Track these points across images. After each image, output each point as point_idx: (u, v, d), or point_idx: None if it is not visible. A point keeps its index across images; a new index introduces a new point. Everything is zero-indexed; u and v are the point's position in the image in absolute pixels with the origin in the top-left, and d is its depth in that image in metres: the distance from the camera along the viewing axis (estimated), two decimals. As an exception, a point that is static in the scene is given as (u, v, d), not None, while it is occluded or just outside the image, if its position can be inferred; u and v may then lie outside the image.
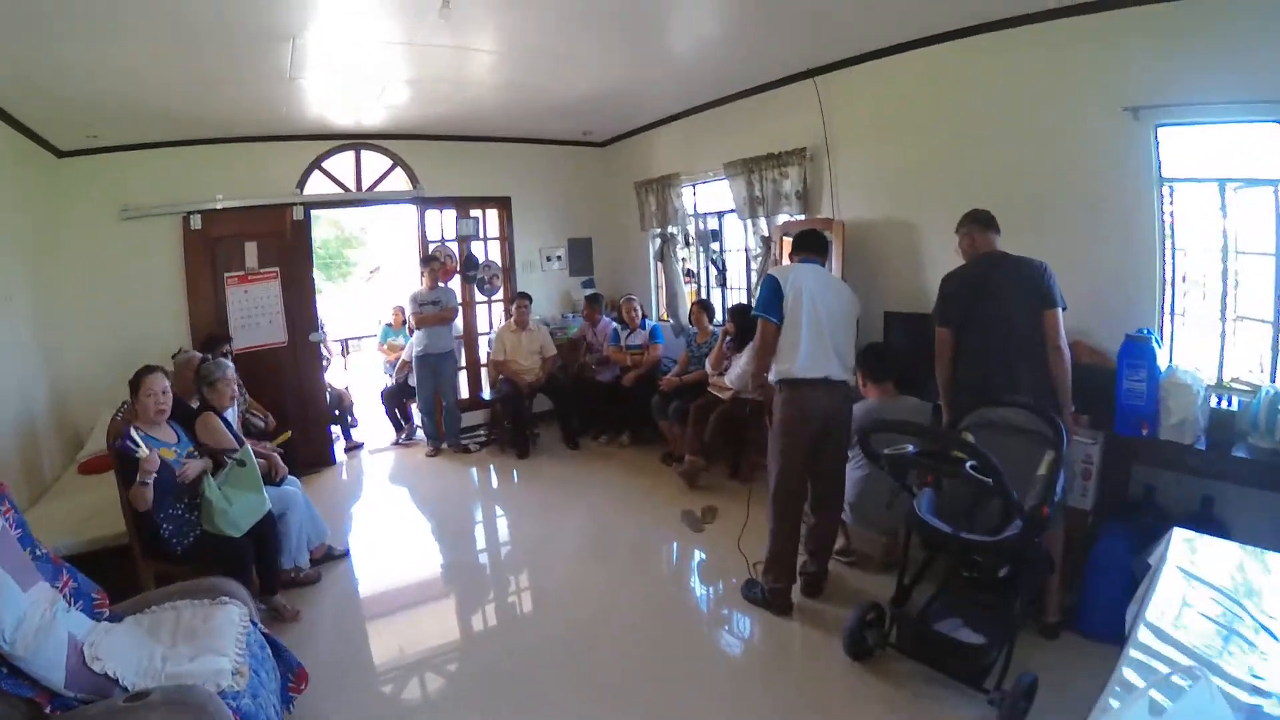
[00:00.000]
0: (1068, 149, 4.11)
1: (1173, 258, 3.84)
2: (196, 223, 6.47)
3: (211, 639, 2.71)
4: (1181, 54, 3.61)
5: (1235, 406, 3.56)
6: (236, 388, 4.59)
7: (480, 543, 5.40)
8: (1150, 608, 2.00)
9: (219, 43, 4.22)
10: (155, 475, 3.42)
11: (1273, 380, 3.52)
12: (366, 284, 18.19)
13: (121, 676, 2.44)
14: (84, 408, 5.82)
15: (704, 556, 4.66)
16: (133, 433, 3.46)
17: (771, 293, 3.68)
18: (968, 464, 2.80)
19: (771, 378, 3.78)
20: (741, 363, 5.47)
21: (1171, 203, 3.80)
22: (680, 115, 7.08)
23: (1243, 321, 3.75)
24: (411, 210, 7.81)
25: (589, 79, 5.73)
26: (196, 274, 6.50)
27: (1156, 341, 3.61)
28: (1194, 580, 2.14)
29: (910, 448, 3.07)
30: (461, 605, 4.33)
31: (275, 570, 4.03)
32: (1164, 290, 3.85)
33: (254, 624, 2.98)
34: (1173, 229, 3.82)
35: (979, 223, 3.63)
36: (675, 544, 4.89)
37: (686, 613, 4.09)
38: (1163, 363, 3.62)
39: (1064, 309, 3.36)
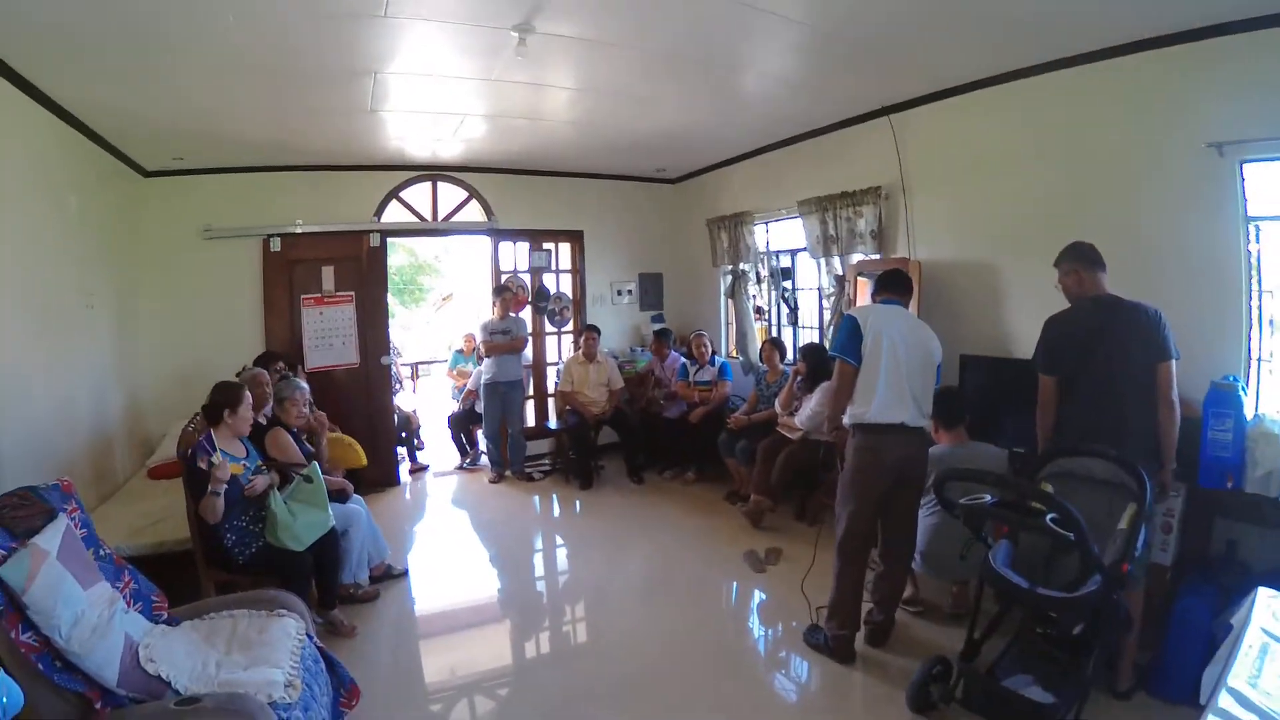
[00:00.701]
0: (1150, 187, 3.97)
1: (1260, 299, 3.65)
2: (276, 245, 6.72)
3: (266, 649, 2.73)
4: (1264, 87, 3.47)
5: None
6: (307, 407, 4.69)
7: (539, 571, 5.38)
8: (1233, 671, 1.86)
9: (305, 77, 4.40)
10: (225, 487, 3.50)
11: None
12: (438, 311, 18.46)
13: (174, 679, 2.47)
14: (157, 415, 6.10)
15: (765, 598, 4.52)
16: (208, 444, 3.56)
17: (850, 333, 3.57)
18: (1048, 516, 2.67)
19: (846, 420, 3.66)
20: (813, 404, 5.38)
21: (1258, 241, 3.63)
22: (754, 153, 7.08)
23: None
24: (485, 241, 7.92)
25: (663, 118, 5.77)
26: (274, 294, 6.73)
27: (1243, 389, 3.43)
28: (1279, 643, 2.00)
29: (988, 497, 2.95)
30: (517, 632, 4.29)
31: (334, 585, 4.06)
32: (1250, 334, 3.65)
33: (310, 637, 2.99)
34: (1259, 269, 3.64)
35: (1085, 259, 3.39)
36: (737, 584, 4.77)
37: (745, 655, 3.97)
38: (1249, 411, 3.44)
39: (1178, 360, 3.17)
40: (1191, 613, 3.18)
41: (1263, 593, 2.30)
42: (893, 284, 3.85)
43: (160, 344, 6.34)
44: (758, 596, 4.59)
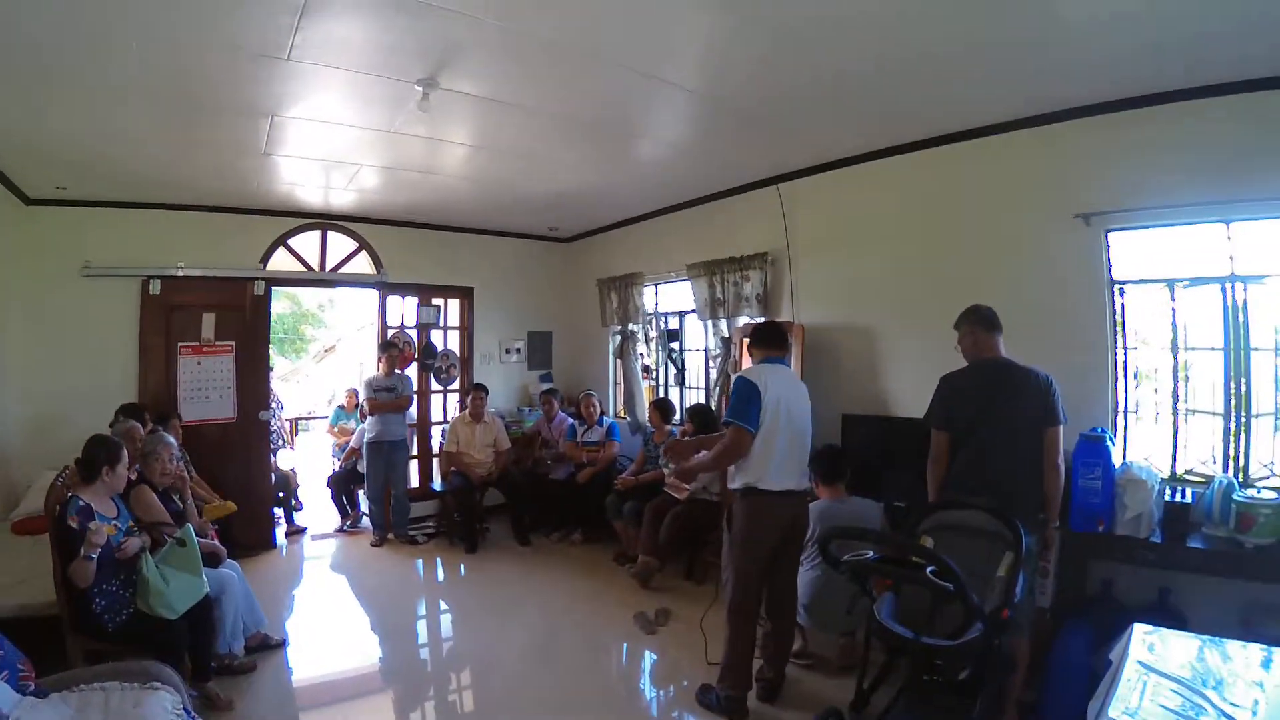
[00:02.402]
0: (1022, 255, 4.32)
1: (1125, 355, 4.01)
2: (156, 288, 6.41)
3: None
4: (1128, 161, 3.89)
5: (1189, 498, 3.69)
6: (181, 464, 4.45)
7: (423, 638, 5.20)
8: (1113, 704, 1.99)
9: (199, 113, 4.30)
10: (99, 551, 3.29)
11: (1225, 470, 3.66)
12: (319, 362, 17.84)
13: None
14: (21, 463, 5.65)
15: (657, 659, 4.51)
16: (80, 503, 3.36)
17: (748, 398, 3.59)
18: (928, 569, 2.79)
19: (733, 485, 3.73)
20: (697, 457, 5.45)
21: (1122, 301, 4.01)
22: (645, 216, 7.29)
23: (1194, 415, 3.89)
24: (373, 294, 7.79)
25: (558, 178, 5.91)
26: (151, 339, 6.39)
27: (1110, 439, 3.71)
28: (1155, 674, 2.14)
29: (870, 553, 3.06)
30: (401, 704, 4.12)
31: (209, 656, 3.83)
32: (1116, 387, 4.00)
33: (187, 712, 2.83)
34: (1124, 328, 4.02)
35: (983, 322, 3.59)
36: (627, 645, 4.74)
37: (639, 717, 3.95)
38: (1117, 458, 3.72)
39: (1065, 424, 3.41)
40: (1071, 651, 3.39)
41: (1138, 628, 2.47)
42: (772, 339, 3.92)
43: (28, 386, 5.92)
44: (649, 657, 4.58)
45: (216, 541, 4.54)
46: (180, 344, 6.48)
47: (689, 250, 6.45)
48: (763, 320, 4.31)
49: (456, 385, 8.15)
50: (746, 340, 5.28)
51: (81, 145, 4.80)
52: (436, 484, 7.50)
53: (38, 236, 6.00)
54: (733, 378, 4.14)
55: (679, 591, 5.46)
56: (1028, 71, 3.66)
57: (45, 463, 5.20)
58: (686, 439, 4.56)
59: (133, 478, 4.06)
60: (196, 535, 3.87)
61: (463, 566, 6.44)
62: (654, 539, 5.55)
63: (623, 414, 7.57)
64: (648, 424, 6.73)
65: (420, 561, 6.63)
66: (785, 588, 3.83)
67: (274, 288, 7.09)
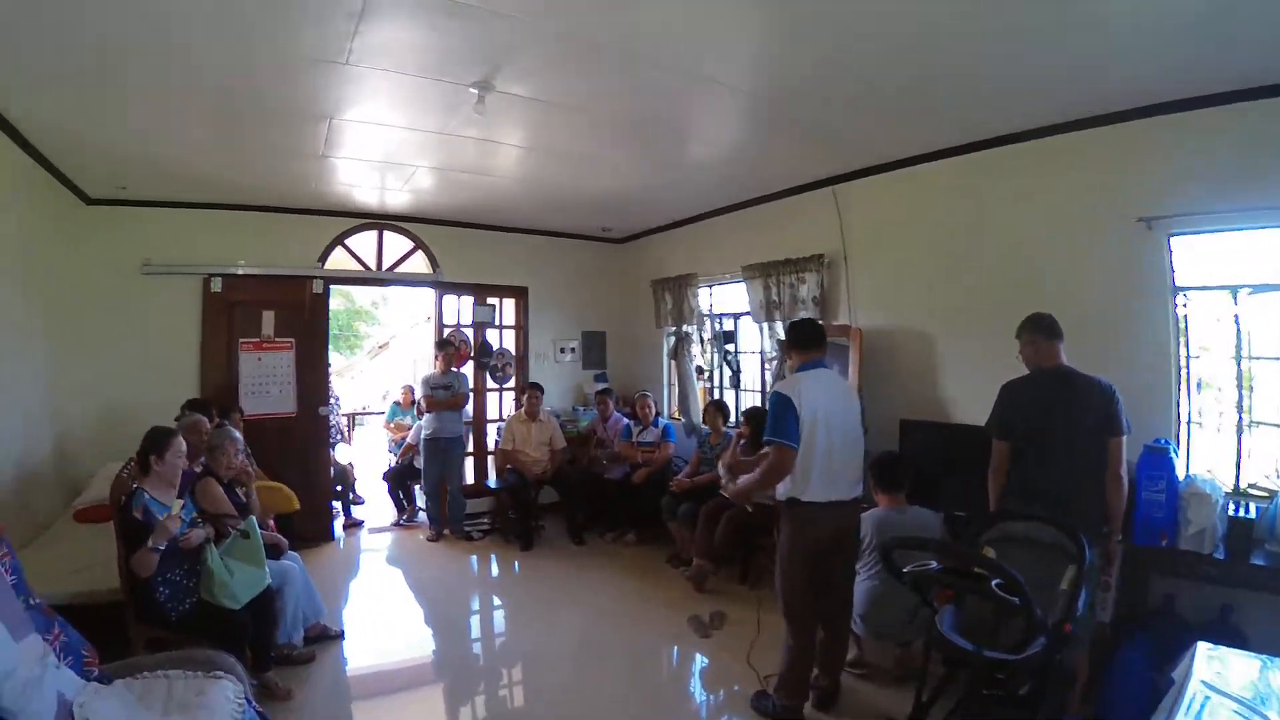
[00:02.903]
0: (1083, 260, 4.19)
1: (1188, 364, 3.87)
2: (217, 285, 6.58)
3: (205, 714, 2.63)
4: (1192, 164, 3.75)
5: (1253, 514, 3.56)
6: (244, 457, 4.56)
7: (476, 633, 5.25)
8: (1175, 722, 1.93)
9: (260, 117, 4.40)
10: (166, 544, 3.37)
11: (1288, 485, 3.50)
12: (373, 359, 18.14)
13: None
14: (86, 454, 5.78)
15: (709, 663, 4.47)
16: (146, 496, 3.44)
17: (785, 414, 3.46)
18: (993, 581, 2.72)
19: (779, 495, 3.66)
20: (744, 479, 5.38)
21: (1186, 309, 3.85)
22: (699, 217, 7.25)
23: (1259, 427, 3.75)
24: (428, 292, 7.89)
25: (611, 179, 5.91)
26: (212, 336, 6.56)
27: (1174, 451, 3.59)
28: (1218, 694, 2.07)
29: (934, 564, 3.00)
30: (452, 696, 4.18)
31: (270, 646, 3.91)
32: (1180, 397, 3.85)
33: (249, 701, 2.87)
34: (1187, 336, 3.86)
35: (1043, 330, 3.52)
36: (679, 648, 4.71)
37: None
38: (1180, 471, 3.60)
39: (1129, 435, 3.32)
40: (1131, 665, 3.30)
41: (1202, 647, 2.38)
42: (808, 339, 3.76)
43: (92, 380, 6.08)
44: (700, 661, 4.54)
45: (276, 533, 4.65)
46: (241, 340, 6.65)
47: (744, 251, 6.40)
48: (796, 319, 4.20)
49: (512, 384, 8.21)
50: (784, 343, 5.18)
51: (143, 147, 4.93)
52: (492, 481, 7.58)
53: (99, 235, 6.18)
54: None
55: (733, 595, 5.41)
56: (1090, 70, 3.54)
57: (109, 454, 5.34)
58: (745, 458, 4.51)
59: (198, 470, 4.16)
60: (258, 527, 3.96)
61: (517, 563, 6.49)
62: (709, 542, 5.51)
63: (677, 415, 7.55)
64: (703, 425, 6.68)
65: (475, 557, 6.69)
66: (838, 596, 3.74)
67: (331, 285, 7.22)
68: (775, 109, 4.23)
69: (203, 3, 2.97)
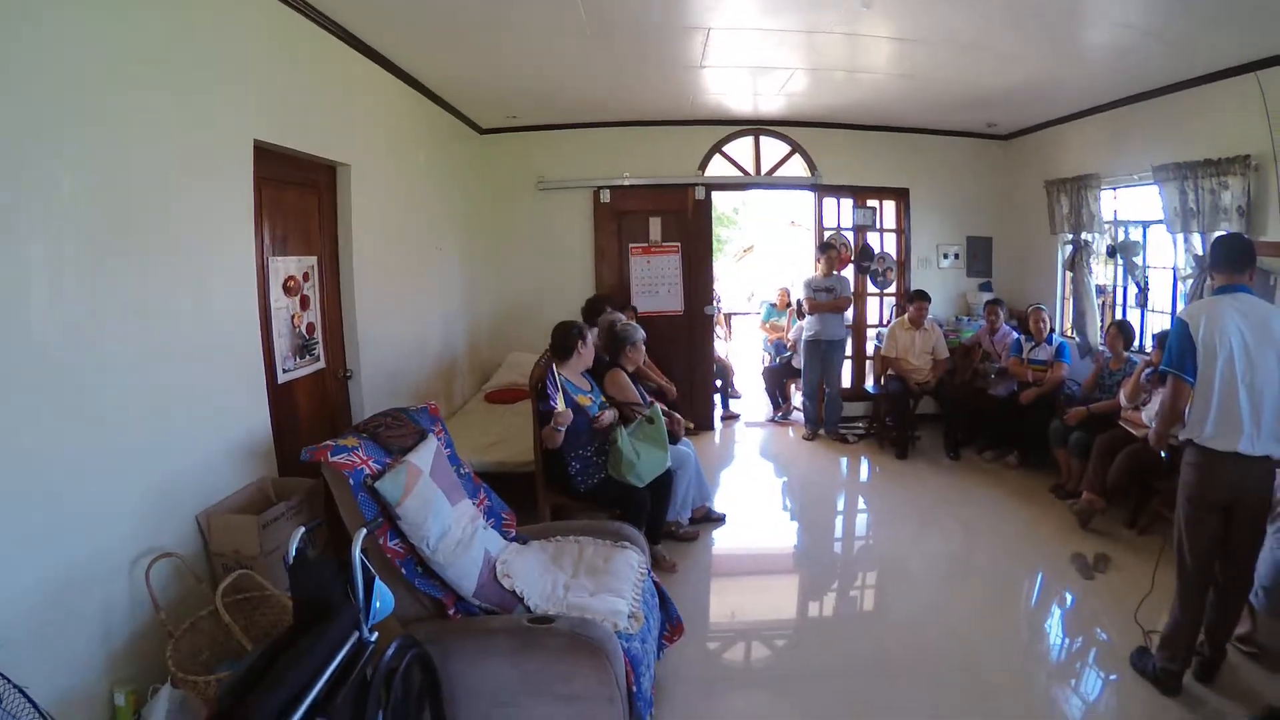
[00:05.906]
0: None
1: None
2: (606, 196, 7.36)
3: (611, 579, 2.95)
4: None
5: None
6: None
7: (838, 533, 5.46)
8: None
9: (637, 35, 4.63)
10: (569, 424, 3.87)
11: None
12: (738, 262, 18.75)
13: (527, 596, 2.74)
14: (495, 345, 7.13)
15: (1086, 607, 4.12)
16: (555, 377, 3.93)
17: (1183, 344, 3.04)
18: None
19: (1180, 435, 3.21)
20: (1148, 412, 4.85)
21: None
22: (1099, 109, 6.34)
23: None
24: (792, 197, 8.01)
25: (997, 70, 5.37)
26: (604, 242, 7.42)
27: None
28: None
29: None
30: (805, 589, 4.49)
31: (662, 522, 4.35)
32: None
33: (648, 572, 3.21)
34: None
35: None
36: (1055, 585, 4.43)
37: (1058, 668, 3.62)
38: None
39: None
40: None
41: None
42: (1230, 260, 3.15)
43: (497, 283, 7.32)
44: (1074, 602, 4.20)
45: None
46: (630, 245, 7.42)
47: (1153, 150, 5.52)
48: (1222, 234, 3.58)
49: (893, 289, 8.09)
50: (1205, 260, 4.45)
51: (527, 80, 5.55)
52: (870, 386, 7.66)
53: (494, 159, 7.31)
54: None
55: (1118, 539, 4.91)
56: None
57: (511, 345, 6.64)
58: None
59: (606, 360, 4.66)
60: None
61: (889, 471, 6.52)
62: (1101, 477, 5.03)
63: (1070, 333, 6.96)
64: (1102, 348, 6.11)
65: (846, 460, 6.87)
66: (1236, 561, 3.21)
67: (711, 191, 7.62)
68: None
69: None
